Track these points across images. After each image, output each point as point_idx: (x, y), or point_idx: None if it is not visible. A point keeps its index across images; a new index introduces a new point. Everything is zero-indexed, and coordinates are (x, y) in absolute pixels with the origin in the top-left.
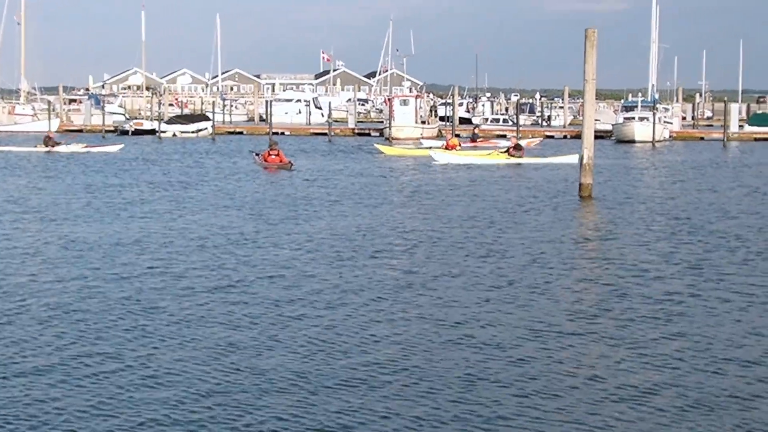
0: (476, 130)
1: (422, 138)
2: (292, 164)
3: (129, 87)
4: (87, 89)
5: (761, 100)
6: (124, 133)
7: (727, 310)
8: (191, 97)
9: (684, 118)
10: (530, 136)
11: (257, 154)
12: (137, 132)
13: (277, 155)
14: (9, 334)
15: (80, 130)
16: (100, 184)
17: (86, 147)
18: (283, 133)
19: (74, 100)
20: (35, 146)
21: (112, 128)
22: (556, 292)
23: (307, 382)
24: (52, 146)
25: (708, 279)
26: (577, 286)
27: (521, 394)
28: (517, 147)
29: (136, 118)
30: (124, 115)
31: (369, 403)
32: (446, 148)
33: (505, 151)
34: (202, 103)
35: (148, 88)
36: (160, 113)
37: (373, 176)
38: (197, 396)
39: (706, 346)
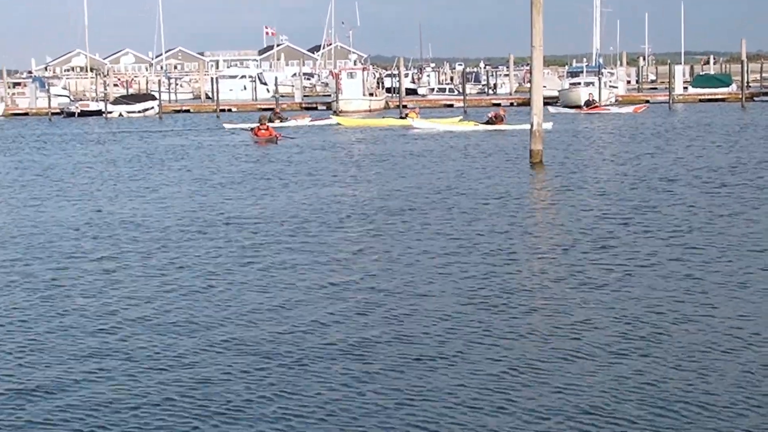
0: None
1: (370, 110)
2: (278, 137)
3: (72, 69)
4: (30, 72)
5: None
6: (71, 114)
7: (675, 269)
8: (135, 76)
9: (629, 82)
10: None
11: (250, 129)
12: (83, 113)
13: (267, 129)
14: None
15: (26, 113)
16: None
17: (312, 121)
18: (230, 110)
19: (18, 84)
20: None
21: (58, 110)
22: (504, 257)
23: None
24: (282, 121)
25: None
26: (525, 252)
27: (469, 359)
28: (498, 117)
29: (81, 100)
30: (69, 96)
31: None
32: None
33: (486, 122)
34: (147, 83)
35: (91, 69)
36: (105, 94)
37: (345, 147)
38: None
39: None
